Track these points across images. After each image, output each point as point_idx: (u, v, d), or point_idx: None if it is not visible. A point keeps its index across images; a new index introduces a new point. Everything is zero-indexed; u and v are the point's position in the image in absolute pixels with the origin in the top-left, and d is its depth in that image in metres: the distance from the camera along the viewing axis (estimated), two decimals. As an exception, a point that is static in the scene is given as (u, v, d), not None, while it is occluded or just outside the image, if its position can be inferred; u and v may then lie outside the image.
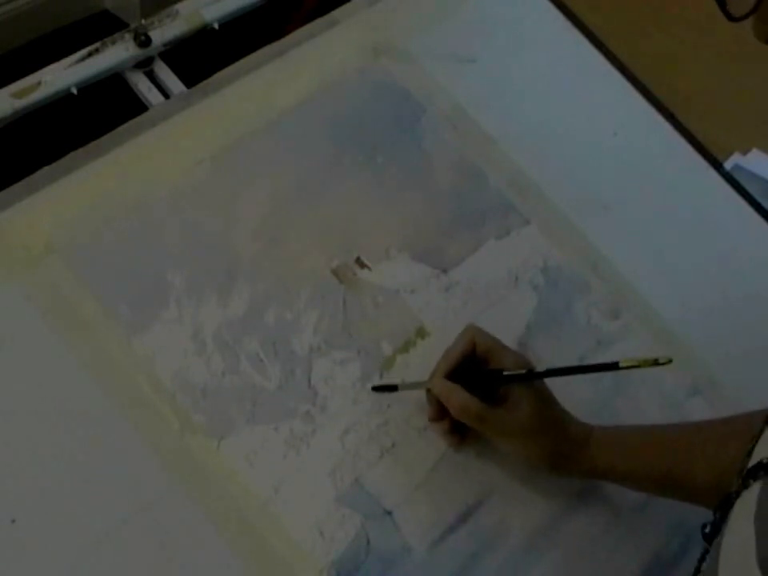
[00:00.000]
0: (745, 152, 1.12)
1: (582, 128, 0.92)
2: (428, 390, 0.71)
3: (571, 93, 0.93)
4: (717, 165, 0.96)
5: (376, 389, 0.72)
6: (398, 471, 0.70)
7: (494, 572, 0.69)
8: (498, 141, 0.87)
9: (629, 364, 0.64)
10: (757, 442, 0.52)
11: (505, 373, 0.68)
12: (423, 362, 0.73)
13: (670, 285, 0.86)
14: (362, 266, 0.77)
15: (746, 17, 0.51)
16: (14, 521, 0.61)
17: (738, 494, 0.51)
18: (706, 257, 0.89)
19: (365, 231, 0.79)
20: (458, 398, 0.67)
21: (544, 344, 0.79)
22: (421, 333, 0.76)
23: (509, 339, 0.77)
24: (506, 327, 0.78)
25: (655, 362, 0.63)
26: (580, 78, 0.95)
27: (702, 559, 0.55)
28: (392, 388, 0.72)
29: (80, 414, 0.65)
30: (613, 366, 0.65)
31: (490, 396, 0.68)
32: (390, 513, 0.68)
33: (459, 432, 0.71)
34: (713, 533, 0.54)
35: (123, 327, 0.69)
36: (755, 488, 0.49)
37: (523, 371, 0.68)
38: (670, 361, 0.62)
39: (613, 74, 0.96)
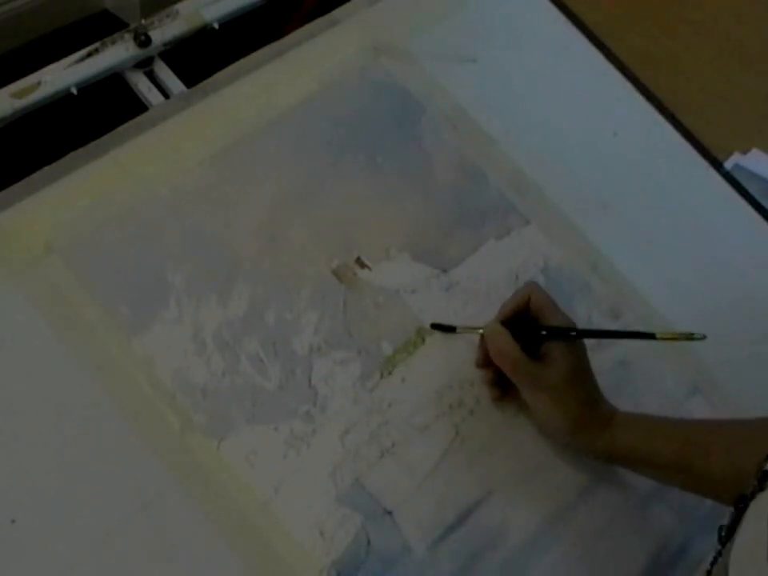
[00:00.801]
0: (745, 151, 1.12)
1: (582, 128, 0.92)
2: (481, 336, 0.73)
3: (571, 93, 0.93)
4: (717, 164, 0.96)
5: (435, 326, 0.75)
6: (399, 471, 0.70)
7: (494, 572, 0.69)
8: (498, 141, 0.87)
9: (665, 336, 0.68)
10: None
11: (545, 325, 0.71)
12: (423, 362, 0.73)
13: (670, 284, 0.86)
14: (363, 265, 0.77)
15: None
16: (13, 521, 0.61)
17: (753, 496, 0.51)
18: (706, 256, 0.89)
19: (365, 231, 0.79)
20: (500, 342, 0.70)
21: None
22: (421, 333, 0.76)
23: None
24: (507, 327, 0.78)
25: (690, 337, 0.66)
26: (580, 77, 0.95)
27: (713, 562, 0.55)
28: (450, 329, 0.74)
29: (80, 415, 0.65)
30: (650, 336, 0.69)
31: (533, 352, 0.70)
32: (390, 513, 0.68)
33: (501, 387, 0.73)
34: (728, 535, 0.54)
35: (123, 327, 0.69)
36: None
37: (563, 327, 0.70)
38: (705, 337, 0.66)
39: (613, 74, 0.96)
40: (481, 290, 0.79)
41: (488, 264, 0.81)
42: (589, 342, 0.74)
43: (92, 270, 0.70)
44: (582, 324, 0.79)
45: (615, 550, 0.73)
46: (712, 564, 0.55)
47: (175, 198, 0.75)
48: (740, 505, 0.52)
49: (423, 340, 0.75)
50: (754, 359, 0.83)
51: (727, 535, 0.54)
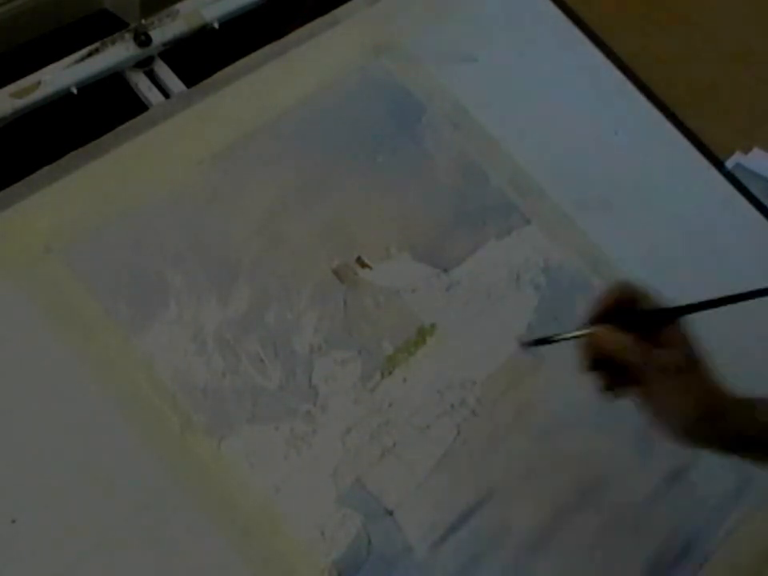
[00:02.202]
0: (746, 151, 1.12)
1: (582, 127, 0.92)
2: (581, 342, 0.68)
3: (572, 92, 0.93)
4: (718, 164, 0.96)
5: (527, 344, 0.71)
6: (399, 471, 0.70)
7: (494, 572, 0.69)
8: (499, 140, 0.87)
9: None
10: None
11: (669, 308, 0.67)
12: (424, 362, 0.73)
13: (671, 284, 0.86)
14: (363, 265, 0.77)
15: None
16: (14, 521, 0.61)
17: None
18: (707, 256, 0.89)
19: (365, 231, 0.79)
20: (622, 338, 0.66)
21: (545, 343, 0.79)
22: (422, 332, 0.76)
23: (509, 339, 0.78)
24: (507, 327, 0.78)
25: None
26: (581, 77, 0.95)
27: None
28: (545, 341, 0.70)
29: (80, 414, 0.65)
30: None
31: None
32: (391, 513, 0.68)
33: (613, 387, 0.68)
34: None
35: (123, 327, 0.69)
36: None
37: (682, 305, 0.67)
38: None
39: (614, 73, 0.96)
40: (482, 290, 0.79)
41: (489, 263, 0.81)
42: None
43: (92, 269, 0.70)
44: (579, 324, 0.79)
45: (616, 549, 0.73)
46: None
47: (175, 198, 0.75)
48: None
49: (424, 339, 0.75)
50: (754, 359, 0.83)
51: None
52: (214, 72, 0.82)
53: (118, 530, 0.62)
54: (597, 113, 0.93)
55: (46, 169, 0.74)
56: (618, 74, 0.96)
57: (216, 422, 0.68)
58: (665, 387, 0.66)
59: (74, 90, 0.80)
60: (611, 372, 0.68)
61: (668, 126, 0.95)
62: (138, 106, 0.82)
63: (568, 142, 0.90)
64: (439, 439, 0.72)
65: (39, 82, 0.79)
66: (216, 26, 0.87)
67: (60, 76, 0.80)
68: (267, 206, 0.77)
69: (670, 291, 0.85)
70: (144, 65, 0.84)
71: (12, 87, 0.78)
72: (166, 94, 0.82)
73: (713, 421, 0.66)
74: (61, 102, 0.80)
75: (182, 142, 0.78)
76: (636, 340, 0.66)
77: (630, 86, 0.96)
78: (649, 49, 1.04)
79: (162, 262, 0.72)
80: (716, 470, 0.77)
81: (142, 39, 0.82)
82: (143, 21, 0.84)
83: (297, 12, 0.94)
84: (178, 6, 0.86)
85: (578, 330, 0.68)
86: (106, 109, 0.81)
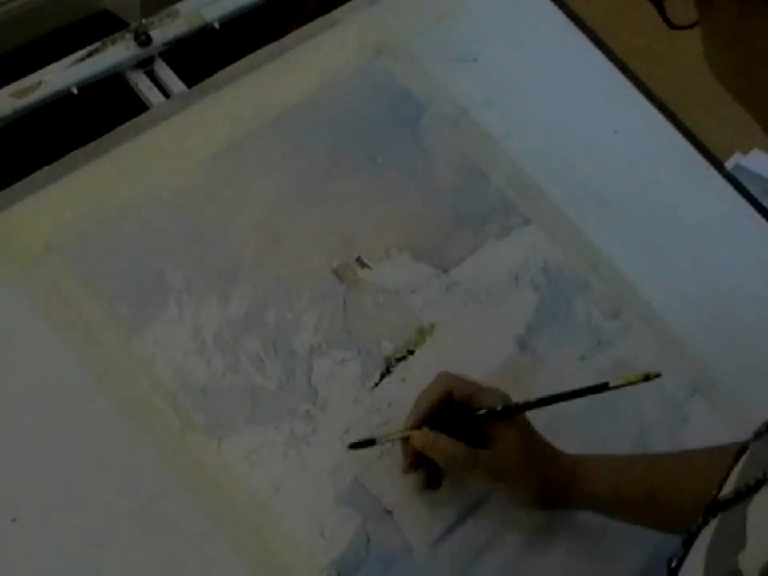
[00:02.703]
0: (746, 152, 1.12)
1: (582, 127, 0.92)
2: (404, 442, 0.69)
3: (572, 92, 0.93)
4: (718, 164, 0.96)
5: (353, 446, 0.69)
6: (399, 471, 0.70)
7: (493, 572, 0.69)
8: (499, 140, 0.87)
9: (618, 384, 0.64)
10: (725, 479, 0.51)
11: (481, 412, 0.67)
12: (424, 362, 0.73)
13: (671, 284, 0.86)
14: (363, 265, 0.77)
15: (688, 27, 0.50)
16: (14, 519, 0.61)
17: (698, 530, 0.50)
18: (706, 256, 0.89)
19: (365, 231, 0.79)
20: (444, 446, 0.66)
21: (545, 344, 0.79)
22: (421, 332, 0.76)
23: (509, 339, 0.78)
24: (507, 327, 0.78)
25: (646, 377, 0.63)
26: (581, 77, 0.95)
27: None
28: (369, 443, 0.69)
29: (80, 414, 0.65)
30: (602, 388, 0.65)
31: (472, 441, 0.67)
32: (390, 512, 0.68)
33: (435, 482, 0.70)
34: (678, 567, 0.53)
35: (123, 327, 0.69)
36: (712, 524, 0.48)
37: (500, 407, 0.67)
38: (660, 374, 0.62)
39: (614, 73, 0.96)
40: (481, 290, 0.79)
41: (488, 264, 0.81)
42: (589, 344, 0.74)
43: (92, 269, 0.70)
44: (582, 324, 0.80)
45: (614, 550, 0.73)
46: None
47: (175, 198, 0.75)
48: (689, 539, 0.51)
49: (424, 339, 0.75)
50: (754, 359, 0.83)
51: (677, 567, 0.53)
52: (214, 72, 0.82)
53: (117, 529, 0.62)
54: (596, 113, 0.93)
55: (46, 169, 0.74)
56: (617, 75, 0.96)
57: (216, 422, 0.68)
58: (501, 484, 0.68)
59: (75, 90, 0.80)
60: (430, 468, 0.68)
61: (668, 127, 0.95)
62: (138, 106, 0.82)
63: (568, 142, 0.90)
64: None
65: (40, 82, 0.79)
66: (216, 26, 0.87)
67: (60, 76, 0.80)
68: (267, 206, 0.77)
69: (670, 291, 0.85)
70: (144, 65, 0.84)
71: (12, 87, 0.78)
72: (167, 94, 0.82)
73: (552, 497, 0.69)
74: (61, 102, 0.80)
75: (182, 142, 0.78)
76: (463, 449, 0.66)
77: (629, 87, 0.96)
78: (649, 49, 1.03)
79: (162, 262, 0.72)
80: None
81: (143, 39, 0.82)
82: (144, 21, 0.84)
83: (297, 12, 0.94)
84: (178, 6, 0.86)
85: (399, 431, 0.69)
86: (106, 109, 0.81)
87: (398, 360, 0.74)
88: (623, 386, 0.64)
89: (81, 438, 0.65)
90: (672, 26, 0.51)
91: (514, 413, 0.68)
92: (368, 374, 0.73)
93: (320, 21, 0.88)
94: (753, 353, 0.84)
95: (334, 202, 0.79)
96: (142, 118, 0.79)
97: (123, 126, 0.78)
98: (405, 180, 0.82)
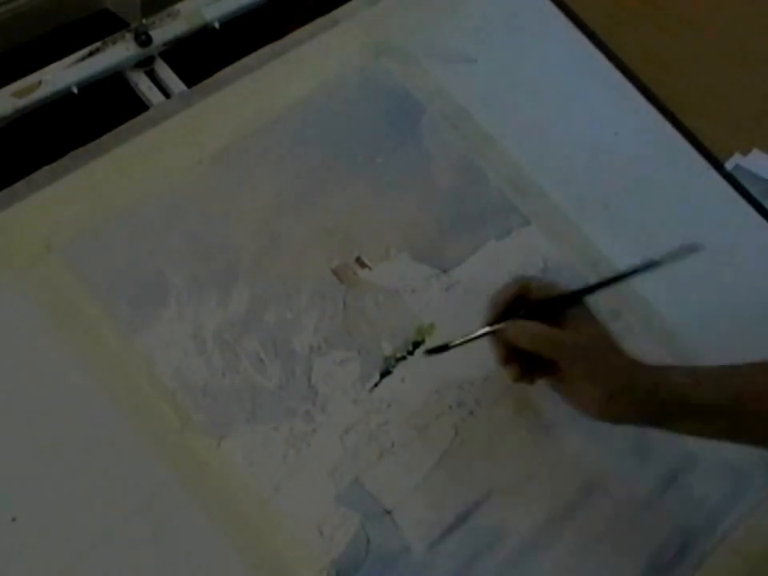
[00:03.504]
0: (745, 152, 1.12)
1: (582, 128, 0.92)
2: (492, 337, 0.70)
3: (572, 92, 0.93)
4: (717, 165, 0.96)
5: (429, 352, 0.70)
6: (398, 471, 0.70)
7: (493, 572, 0.69)
8: (499, 141, 0.87)
9: (666, 258, 0.67)
10: None
11: (564, 293, 0.70)
12: (423, 362, 0.73)
13: (671, 285, 0.86)
14: (363, 265, 0.77)
15: None
16: (14, 519, 0.61)
17: None
18: (706, 257, 0.89)
19: (365, 231, 0.79)
20: (531, 328, 0.67)
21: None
22: (421, 332, 0.76)
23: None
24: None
25: (691, 249, 0.67)
26: (580, 77, 0.95)
27: None
28: (443, 348, 0.70)
29: (80, 413, 0.66)
30: (654, 264, 0.68)
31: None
32: (389, 512, 0.68)
33: (527, 376, 0.70)
34: None
35: (123, 326, 0.69)
36: None
37: (577, 288, 0.70)
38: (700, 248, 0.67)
39: (613, 74, 0.96)
40: (481, 290, 0.79)
41: (488, 264, 0.81)
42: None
43: (92, 269, 0.71)
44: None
45: (615, 550, 0.73)
46: None
47: (175, 198, 0.75)
48: None
49: (423, 339, 0.75)
50: (754, 359, 0.83)
51: None
52: (214, 72, 0.83)
53: (117, 528, 0.63)
54: (597, 114, 0.93)
55: (46, 168, 0.74)
56: (617, 75, 0.96)
57: (215, 422, 0.68)
58: (578, 369, 0.66)
59: (75, 90, 0.81)
60: (524, 362, 0.69)
61: (668, 127, 0.95)
62: (138, 106, 0.82)
63: (568, 142, 0.90)
64: (438, 439, 0.72)
65: (40, 82, 0.79)
66: (216, 25, 0.87)
67: (61, 76, 0.80)
68: (267, 205, 0.77)
69: (670, 291, 0.85)
70: (144, 65, 0.84)
71: (13, 87, 0.78)
72: (167, 94, 0.82)
73: (627, 396, 0.65)
74: (61, 101, 0.80)
75: (182, 142, 0.78)
76: (547, 329, 0.67)
77: (629, 87, 0.96)
78: (649, 49, 1.03)
79: (162, 261, 0.72)
80: (714, 470, 0.77)
81: (143, 39, 0.83)
82: (144, 21, 0.84)
83: (297, 12, 0.94)
84: (178, 5, 0.86)
85: (482, 328, 0.70)
86: (106, 109, 0.81)
87: (398, 360, 0.74)
88: (670, 260, 0.68)
89: (80, 438, 0.65)
90: None
91: (585, 293, 0.70)
92: (368, 374, 0.73)
93: (320, 21, 0.89)
94: (753, 353, 0.84)
95: (334, 202, 0.79)
96: (142, 118, 0.79)
97: (123, 126, 0.78)
98: (405, 180, 0.82)
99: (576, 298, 0.70)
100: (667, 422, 0.67)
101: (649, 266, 0.69)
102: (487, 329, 0.70)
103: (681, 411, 0.66)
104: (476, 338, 0.70)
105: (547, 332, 0.67)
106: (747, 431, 0.66)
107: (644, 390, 0.66)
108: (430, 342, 0.75)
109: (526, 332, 0.67)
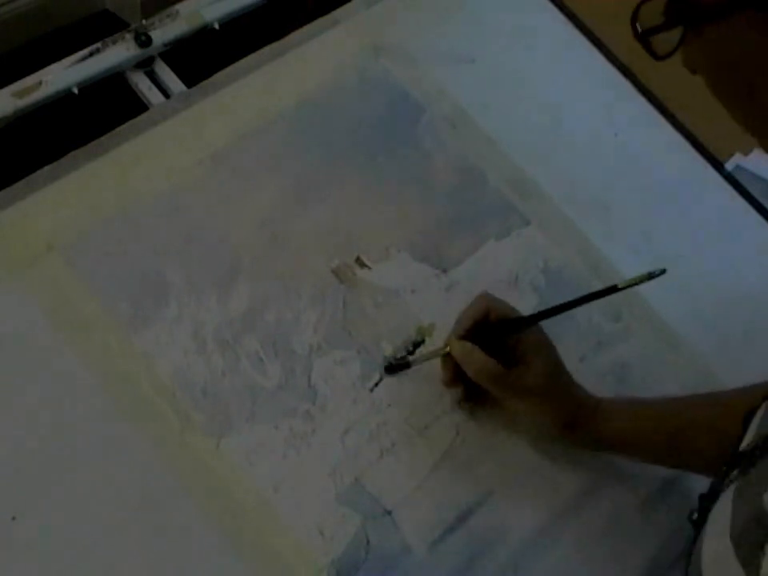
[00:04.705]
0: (746, 153, 1.12)
1: (582, 128, 0.92)
2: (444, 358, 0.71)
3: (571, 93, 0.93)
4: (718, 165, 0.96)
5: (388, 369, 0.72)
6: (398, 471, 0.70)
7: (493, 572, 0.69)
8: (498, 141, 0.87)
9: (626, 285, 0.68)
10: (745, 431, 0.53)
11: (510, 319, 0.71)
12: (423, 362, 0.73)
13: (671, 285, 0.86)
14: (362, 265, 0.77)
15: (668, 56, 0.54)
16: (14, 518, 0.61)
17: (721, 484, 0.53)
18: (706, 257, 0.89)
19: (365, 231, 0.79)
20: (476, 359, 0.69)
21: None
22: (421, 332, 0.76)
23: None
24: (506, 327, 0.78)
25: (650, 276, 0.67)
26: (580, 78, 0.95)
27: (690, 549, 0.56)
28: (404, 366, 0.72)
29: (80, 413, 0.65)
30: (612, 290, 0.69)
31: (503, 361, 0.69)
32: (389, 512, 0.68)
33: (472, 399, 0.73)
34: (700, 519, 0.55)
35: (123, 326, 0.69)
36: (734, 475, 0.51)
37: (527, 316, 0.71)
38: (664, 271, 0.66)
39: (613, 74, 0.96)
40: (481, 290, 0.79)
41: (488, 264, 0.81)
42: (589, 345, 0.74)
43: (92, 268, 0.71)
44: (583, 325, 0.79)
45: (615, 550, 0.73)
46: (689, 553, 0.56)
47: (175, 198, 0.75)
48: (711, 494, 0.54)
49: (423, 339, 0.75)
50: (753, 359, 0.83)
51: (700, 521, 0.55)
52: (214, 72, 0.83)
53: (116, 528, 0.62)
54: (596, 114, 0.93)
55: (46, 168, 0.74)
56: (617, 76, 0.96)
57: (215, 421, 0.68)
58: (521, 406, 0.70)
59: (75, 90, 0.81)
60: (469, 385, 0.71)
61: (668, 128, 0.95)
62: (138, 106, 0.82)
63: (567, 143, 0.90)
64: (438, 439, 0.72)
65: (40, 82, 0.79)
66: (216, 26, 0.87)
67: (61, 76, 0.80)
68: (267, 205, 0.77)
69: (669, 292, 0.85)
70: (144, 65, 0.84)
71: (13, 87, 0.78)
72: (167, 94, 0.82)
73: (570, 430, 0.70)
74: (62, 101, 0.80)
75: (182, 142, 0.78)
76: (492, 364, 0.69)
77: (629, 88, 0.96)
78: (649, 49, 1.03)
79: (162, 261, 0.72)
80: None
81: (143, 39, 0.83)
82: (144, 21, 0.84)
83: (297, 13, 0.94)
84: (178, 6, 0.86)
85: (437, 349, 0.72)
86: (106, 109, 0.82)
87: (398, 360, 0.74)
88: (630, 285, 0.68)
89: (80, 438, 0.65)
90: (657, 57, 0.55)
91: (535, 320, 0.71)
92: (367, 373, 0.73)
93: (320, 21, 0.89)
94: (753, 353, 0.84)
95: (334, 202, 0.79)
96: (142, 118, 0.79)
97: (123, 126, 0.78)
98: (404, 180, 0.82)
99: (531, 322, 0.71)
100: (615, 452, 0.73)
101: (608, 291, 0.70)
102: (438, 348, 0.72)
103: (625, 446, 0.71)
104: (433, 356, 0.72)
105: (492, 368, 0.69)
106: (686, 464, 0.71)
107: (586, 432, 0.71)
108: (430, 343, 0.75)
109: (472, 361, 0.69)
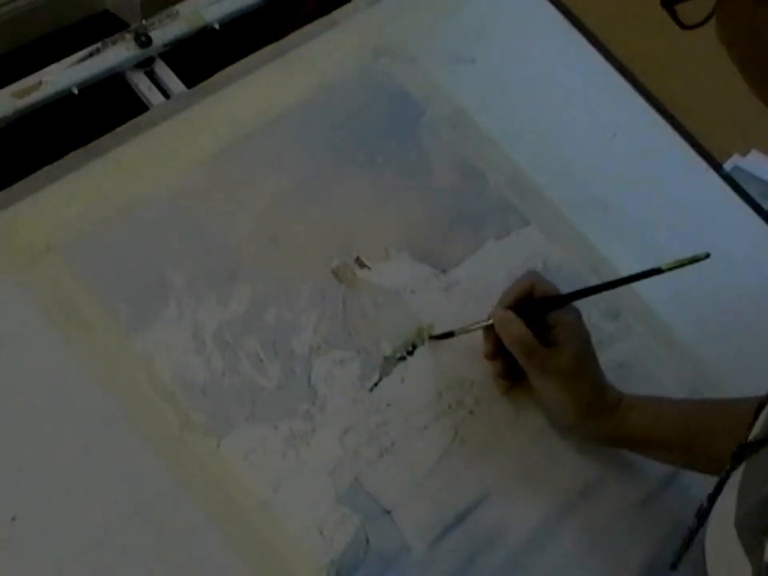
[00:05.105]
0: (744, 153, 1.12)
1: (581, 128, 0.92)
2: (486, 330, 0.73)
3: (571, 93, 0.93)
4: (716, 166, 0.96)
5: (435, 337, 0.74)
6: (398, 471, 0.70)
7: (492, 572, 0.69)
8: (498, 141, 0.87)
9: (671, 266, 0.68)
10: (752, 425, 0.53)
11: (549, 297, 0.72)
12: (423, 362, 0.73)
13: (669, 285, 0.86)
14: (362, 265, 0.77)
15: (699, 25, 0.52)
16: (14, 518, 0.61)
17: (728, 474, 0.53)
18: (705, 257, 0.89)
19: (365, 231, 0.79)
20: (514, 328, 0.70)
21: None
22: (421, 333, 0.76)
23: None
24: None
25: (694, 259, 0.67)
26: (580, 78, 0.95)
27: (690, 539, 0.57)
28: (448, 335, 0.74)
29: (80, 413, 0.65)
30: (656, 272, 0.69)
31: (541, 341, 0.70)
32: (389, 512, 0.68)
33: (509, 377, 0.74)
34: (708, 509, 0.56)
35: (123, 326, 0.69)
36: (742, 466, 0.52)
37: (566, 293, 0.72)
38: (708, 255, 0.67)
39: (612, 75, 0.96)
40: (480, 291, 0.79)
41: (488, 264, 0.81)
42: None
43: (92, 268, 0.71)
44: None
45: (615, 550, 0.73)
46: (688, 541, 0.56)
47: (175, 198, 0.75)
48: (718, 487, 0.54)
49: (423, 340, 0.76)
50: (753, 359, 0.83)
51: (705, 512, 0.55)
52: (214, 72, 0.83)
53: (116, 528, 0.62)
54: (595, 115, 0.93)
55: (46, 169, 0.74)
56: (616, 76, 0.96)
57: (215, 421, 0.68)
58: (548, 384, 0.71)
59: (75, 91, 0.81)
60: (508, 361, 0.72)
61: (666, 128, 0.96)
62: (138, 107, 0.82)
63: (566, 143, 0.90)
64: (437, 439, 0.72)
65: (40, 82, 0.79)
66: (216, 26, 0.87)
67: (61, 76, 0.80)
68: (267, 206, 0.77)
69: (669, 292, 0.85)
70: (144, 65, 0.84)
71: (13, 87, 0.78)
72: (167, 95, 0.82)
73: (590, 419, 0.71)
74: (62, 102, 0.80)
75: (182, 143, 0.78)
76: (529, 335, 0.69)
77: (628, 88, 0.96)
78: (648, 50, 1.04)
79: (162, 261, 0.72)
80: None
81: (143, 40, 0.83)
82: (144, 21, 0.84)
83: (296, 13, 0.94)
84: (178, 6, 0.86)
85: (482, 320, 0.73)
86: (106, 109, 0.81)
87: (398, 360, 0.74)
88: (674, 268, 0.68)
89: (80, 438, 0.65)
90: (683, 26, 0.53)
91: (576, 297, 0.72)
92: (367, 373, 0.73)
93: (320, 22, 0.89)
94: (753, 353, 0.84)
95: (334, 202, 0.79)
96: (141, 118, 0.79)
97: (123, 126, 0.78)
98: (404, 180, 0.82)
99: (572, 299, 0.72)
100: (629, 448, 0.73)
101: (650, 273, 0.70)
102: (481, 320, 0.73)
103: (642, 444, 0.72)
104: (477, 328, 0.73)
105: (528, 339, 0.69)
106: (700, 464, 0.71)
107: (605, 423, 0.71)
108: (428, 342, 0.75)
109: (511, 330, 0.70)
